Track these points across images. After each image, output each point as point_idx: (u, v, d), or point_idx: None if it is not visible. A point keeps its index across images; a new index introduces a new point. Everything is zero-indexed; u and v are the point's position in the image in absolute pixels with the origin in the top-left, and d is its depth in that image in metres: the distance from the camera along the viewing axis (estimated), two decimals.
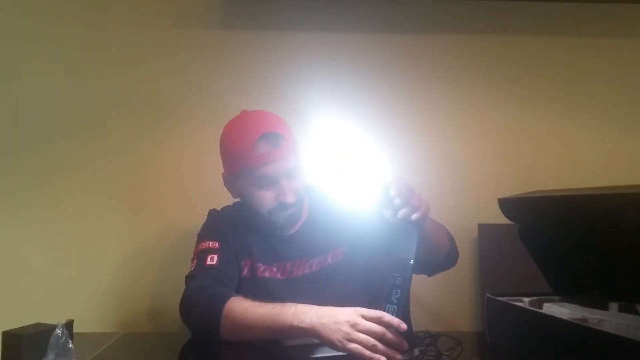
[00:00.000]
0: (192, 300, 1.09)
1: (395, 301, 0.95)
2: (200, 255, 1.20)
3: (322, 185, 1.33)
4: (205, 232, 1.27)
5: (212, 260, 1.17)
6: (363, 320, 0.94)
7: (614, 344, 0.76)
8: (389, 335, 0.93)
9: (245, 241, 1.25)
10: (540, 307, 1.03)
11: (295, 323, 0.97)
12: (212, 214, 1.34)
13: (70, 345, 0.94)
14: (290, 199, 1.18)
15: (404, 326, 0.93)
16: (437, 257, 1.19)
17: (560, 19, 1.69)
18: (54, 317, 1.01)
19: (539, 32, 1.70)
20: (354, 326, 0.93)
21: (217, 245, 1.21)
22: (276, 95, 1.62)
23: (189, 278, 1.16)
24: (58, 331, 0.93)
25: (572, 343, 0.85)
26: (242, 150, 1.16)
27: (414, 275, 0.98)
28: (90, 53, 1.66)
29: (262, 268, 1.23)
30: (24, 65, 1.66)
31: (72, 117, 1.65)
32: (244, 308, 1.03)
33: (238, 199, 1.30)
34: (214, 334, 1.03)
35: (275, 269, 1.23)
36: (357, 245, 1.24)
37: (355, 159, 1.08)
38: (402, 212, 0.96)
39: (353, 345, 0.92)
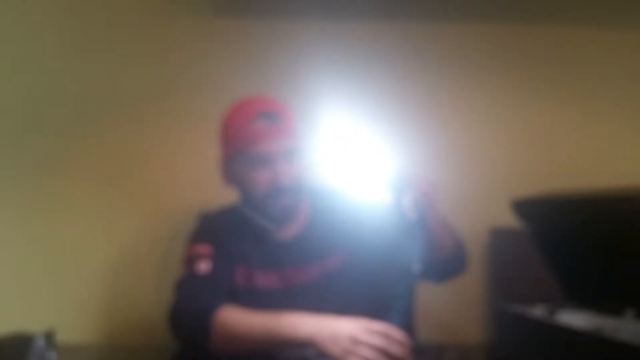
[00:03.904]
0: (180, 311, 1.04)
1: (399, 309, 0.93)
2: (190, 261, 1.15)
3: (324, 186, 1.28)
4: (197, 236, 1.21)
5: (204, 266, 1.12)
6: (364, 333, 0.90)
7: (630, 354, 0.75)
8: (393, 349, 0.89)
9: (241, 246, 1.19)
10: (554, 315, 1.00)
11: (292, 334, 0.94)
12: (205, 215, 1.28)
13: (52, 357, 0.92)
14: (286, 181, 1.13)
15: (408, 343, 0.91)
16: (439, 257, 1.13)
17: (582, 8, 1.63)
18: (35, 325, 0.98)
19: (557, 25, 1.65)
20: (354, 339, 0.90)
21: (209, 250, 1.15)
22: (268, 86, 1.55)
23: (177, 286, 1.11)
24: (40, 341, 0.91)
25: (586, 355, 0.84)
26: (239, 127, 1.14)
27: (422, 283, 0.97)
28: (74, 41, 1.60)
29: (258, 275, 1.17)
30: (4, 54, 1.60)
31: (54, 109, 1.59)
32: (236, 319, 0.99)
33: (232, 203, 1.25)
34: (204, 346, 0.99)
35: (273, 276, 1.18)
36: (360, 250, 1.19)
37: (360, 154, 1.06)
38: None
39: None
